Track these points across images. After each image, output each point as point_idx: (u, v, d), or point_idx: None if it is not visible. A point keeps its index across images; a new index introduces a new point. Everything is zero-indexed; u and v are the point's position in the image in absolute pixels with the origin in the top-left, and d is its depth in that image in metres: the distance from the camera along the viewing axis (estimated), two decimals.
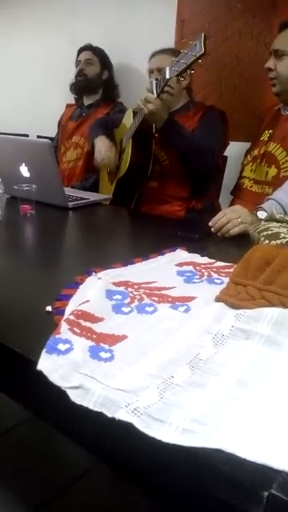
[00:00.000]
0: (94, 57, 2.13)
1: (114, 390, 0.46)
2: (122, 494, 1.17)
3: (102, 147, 1.73)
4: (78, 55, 2.16)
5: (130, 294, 0.71)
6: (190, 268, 0.86)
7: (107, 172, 1.85)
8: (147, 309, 0.66)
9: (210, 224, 1.14)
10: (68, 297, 0.69)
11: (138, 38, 2.23)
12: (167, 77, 1.34)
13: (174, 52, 1.59)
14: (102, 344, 0.55)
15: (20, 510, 1.14)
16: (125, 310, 0.66)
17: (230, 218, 1.11)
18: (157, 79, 1.43)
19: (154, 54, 1.70)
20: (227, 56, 1.96)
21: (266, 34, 1.83)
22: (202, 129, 1.60)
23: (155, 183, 1.70)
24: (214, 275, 0.82)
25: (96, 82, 2.14)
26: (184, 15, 2.06)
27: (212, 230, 1.13)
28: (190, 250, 0.96)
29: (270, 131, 1.45)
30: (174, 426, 0.42)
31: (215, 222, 1.13)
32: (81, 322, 0.60)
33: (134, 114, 1.64)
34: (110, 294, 0.70)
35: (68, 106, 2.30)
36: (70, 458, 1.32)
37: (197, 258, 0.93)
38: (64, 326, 0.58)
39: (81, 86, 2.15)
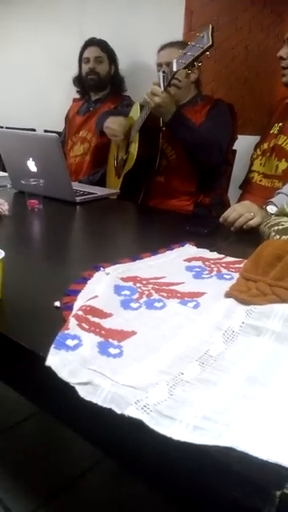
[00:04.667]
0: (103, 53, 2.10)
1: (124, 387, 0.46)
2: (128, 487, 1.18)
3: (111, 121, 1.72)
4: (84, 50, 2.13)
5: (139, 290, 0.70)
6: (199, 263, 0.85)
7: (114, 166, 1.84)
8: (156, 304, 0.65)
9: (220, 220, 1.12)
10: (76, 292, 0.68)
11: (146, 30, 2.21)
12: (174, 69, 1.32)
13: (182, 45, 1.55)
14: (110, 340, 0.55)
15: (28, 502, 1.15)
16: (133, 305, 0.65)
17: (240, 212, 1.09)
18: (164, 72, 1.42)
19: (162, 48, 1.68)
20: (237, 48, 1.94)
21: (276, 26, 1.80)
22: (210, 123, 1.58)
23: (162, 178, 1.69)
24: (224, 270, 0.81)
25: (107, 79, 2.13)
26: (193, 6, 2.03)
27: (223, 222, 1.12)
28: (199, 245, 0.95)
29: (280, 124, 1.43)
30: (184, 423, 0.41)
31: (226, 217, 1.11)
32: (89, 317, 0.60)
33: (141, 107, 1.63)
34: (118, 290, 0.70)
35: (75, 100, 2.29)
36: (77, 452, 1.32)
37: (206, 253, 0.92)
38: (72, 322, 0.58)
39: (92, 85, 2.13)
